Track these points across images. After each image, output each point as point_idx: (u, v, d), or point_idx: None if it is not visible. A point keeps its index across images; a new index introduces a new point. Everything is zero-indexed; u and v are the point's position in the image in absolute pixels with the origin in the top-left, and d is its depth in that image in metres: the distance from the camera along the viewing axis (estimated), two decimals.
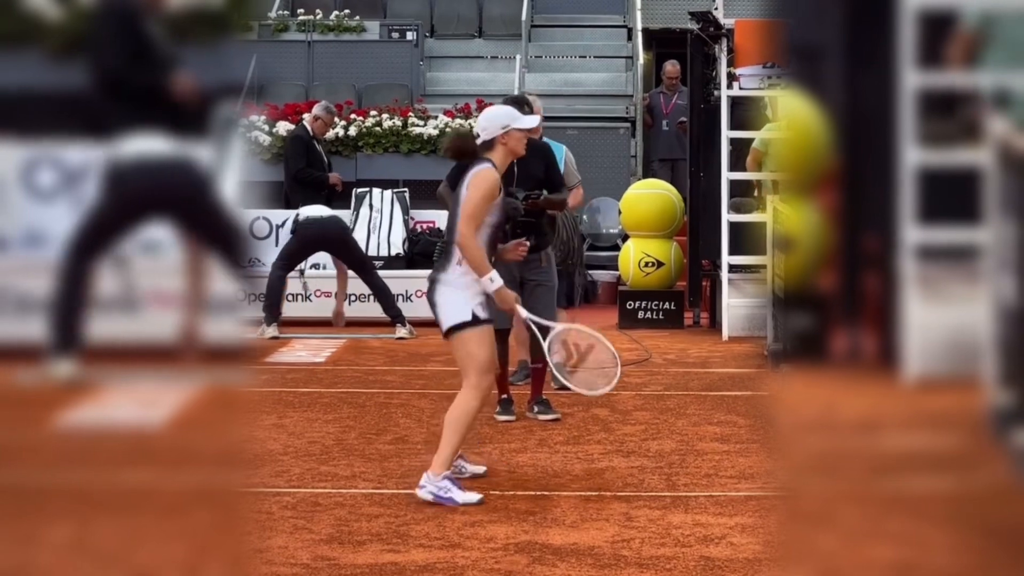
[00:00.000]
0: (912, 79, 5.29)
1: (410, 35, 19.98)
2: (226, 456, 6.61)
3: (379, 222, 16.06)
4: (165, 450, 6.41)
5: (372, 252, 15.71)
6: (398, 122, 17.51)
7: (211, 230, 6.54)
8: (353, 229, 15.82)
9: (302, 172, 15.69)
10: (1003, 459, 5.75)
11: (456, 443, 7.32)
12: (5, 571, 5.67)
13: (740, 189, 14.35)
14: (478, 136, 7.49)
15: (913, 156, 5.31)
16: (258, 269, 14.42)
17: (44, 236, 6.68)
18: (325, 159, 16.00)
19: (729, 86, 14.28)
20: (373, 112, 17.61)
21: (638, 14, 21.03)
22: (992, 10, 5.49)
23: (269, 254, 14.55)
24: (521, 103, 9.60)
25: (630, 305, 15.42)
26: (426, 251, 15.44)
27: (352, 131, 17.43)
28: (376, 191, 16.26)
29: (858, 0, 5.49)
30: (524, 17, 20.79)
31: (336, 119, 16.74)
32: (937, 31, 5.35)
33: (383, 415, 9.85)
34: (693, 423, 9.57)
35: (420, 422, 9.56)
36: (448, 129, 17.30)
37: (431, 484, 7.23)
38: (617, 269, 16.38)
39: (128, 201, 6.46)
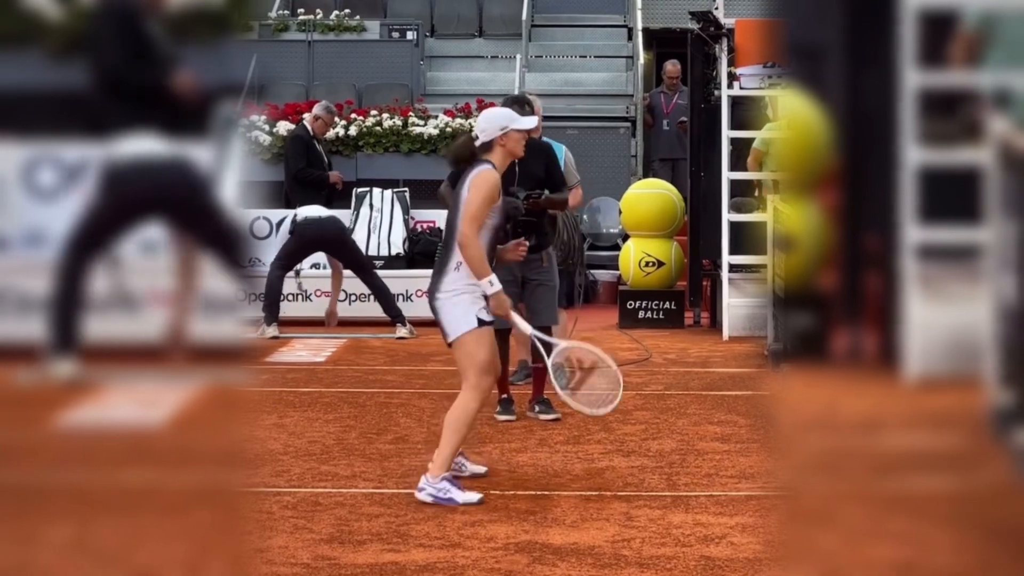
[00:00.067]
0: (913, 78, 5.29)
1: (410, 35, 19.98)
2: (226, 456, 6.62)
3: (379, 222, 16.06)
4: (165, 450, 6.42)
5: (372, 252, 15.71)
6: (398, 122, 17.51)
7: (208, 231, 6.54)
8: (353, 229, 15.82)
9: (302, 172, 15.70)
10: (1004, 458, 5.75)
11: (456, 444, 7.31)
12: (6, 571, 5.68)
13: (740, 189, 14.35)
14: (477, 138, 7.49)
15: (914, 155, 5.31)
16: (258, 269, 14.42)
17: (45, 236, 6.68)
18: (325, 159, 16.01)
19: (730, 86, 14.27)
20: (373, 112, 17.62)
21: (638, 14, 21.02)
22: (992, 10, 5.50)
23: (269, 254, 14.54)
24: (521, 103, 9.60)
25: (630, 305, 15.42)
26: (426, 251, 15.44)
27: (352, 131, 17.43)
28: (376, 191, 16.26)
29: (859, 0, 5.49)
30: (524, 17, 20.79)
31: (336, 119, 16.74)
32: (938, 30, 5.35)
33: (383, 415, 9.85)
34: (693, 423, 9.57)
35: (420, 422, 9.56)
36: (448, 129, 17.31)
37: (429, 487, 7.22)
38: (617, 269, 16.38)
39: (125, 202, 6.47)
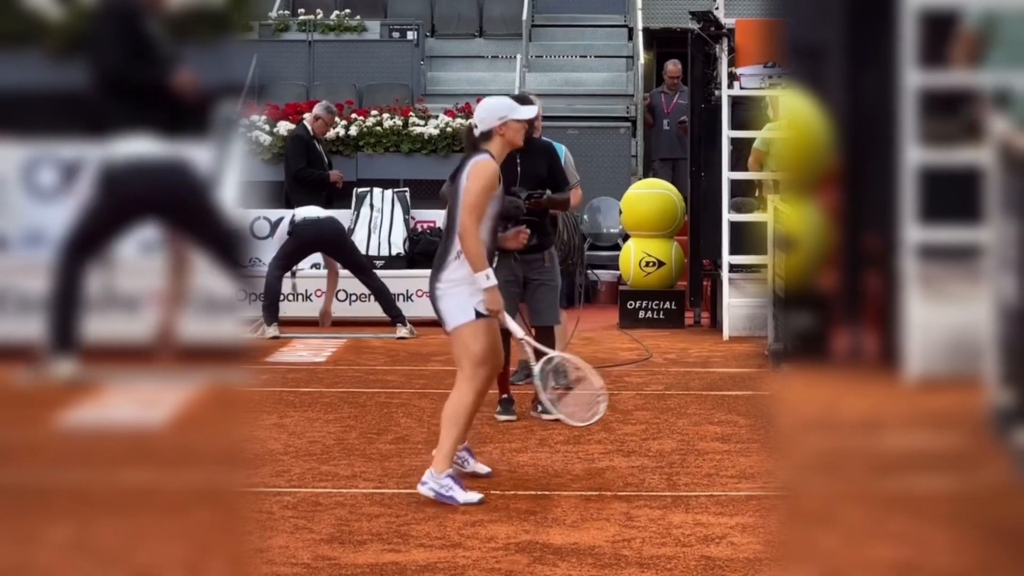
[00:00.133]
0: (913, 78, 5.29)
1: (411, 35, 19.98)
2: (227, 456, 6.62)
3: (380, 222, 16.06)
4: (166, 450, 6.42)
5: (373, 252, 15.72)
6: (399, 122, 17.51)
7: (206, 231, 6.54)
8: (354, 229, 15.82)
9: (303, 172, 15.70)
10: (1004, 458, 5.75)
11: (455, 437, 7.32)
12: (6, 570, 5.67)
13: (741, 189, 14.34)
14: (476, 127, 7.49)
15: (914, 155, 5.31)
16: (258, 269, 14.43)
17: (45, 236, 6.68)
18: (325, 159, 16.02)
19: (730, 86, 14.27)
20: (374, 112, 17.62)
21: (639, 14, 21.02)
22: (993, 10, 5.50)
23: (269, 254, 14.55)
24: (522, 103, 9.59)
25: (631, 305, 15.42)
26: (427, 251, 15.43)
27: (353, 131, 17.43)
28: (377, 191, 16.25)
29: (859, 0, 5.49)
30: (525, 17, 20.79)
31: (337, 119, 16.75)
32: (938, 30, 5.35)
33: (384, 415, 9.85)
34: (694, 423, 9.56)
35: (421, 422, 9.56)
36: (448, 129, 17.31)
37: (433, 481, 7.23)
38: (618, 269, 16.38)
39: (122, 203, 6.47)
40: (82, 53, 6.45)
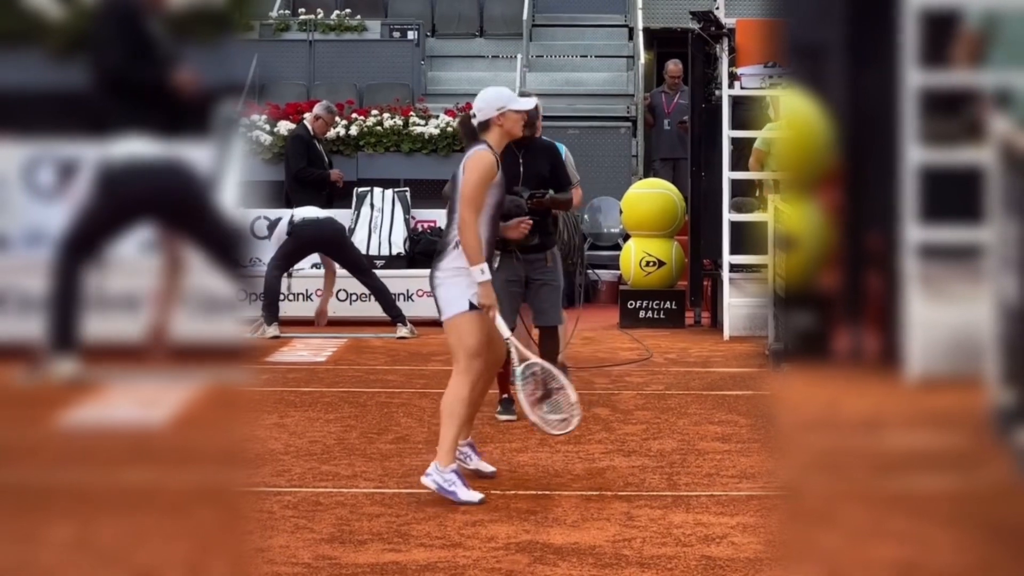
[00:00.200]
0: (914, 78, 5.29)
1: (411, 34, 19.98)
2: (227, 455, 6.61)
3: (380, 221, 16.06)
4: (167, 449, 6.41)
5: (373, 251, 15.72)
6: (399, 121, 17.51)
7: (206, 232, 6.54)
8: (354, 228, 15.83)
9: (303, 171, 15.71)
10: (1005, 458, 5.75)
11: (454, 430, 7.32)
12: (7, 570, 5.67)
13: (741, 188, 14.35)
14: (474, 117, 7.49)
15: (915, 155, 5.31)
16: (258, 269, 14.43)
17: (46, 235, 6.68)
18: (326, 158, 16.02)
19: (730, 85, 14.27)
20: (374, 111, 17.62)
21: (639, 13, 21.02)
22: (994, 9, 5.49)
23: (268, 254, 14.55)
24: None
25: (631, 304, 15.42)
26: (427, 250, 15.43)
27: (353, 130, 17.43)
28: (377, 190, 16.26)
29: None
30: (525, 16, 20.79)
31: (337, 118, 16.75)
32: (940, 30, 5.35)
33: (384, 414, 9.85)
34: (694, 422, 9.56)
35: (421, 421, 9.56)
36: (449, 128, 17.31)
37: (437, 474, 7.23)
38: (618, 268, 16.38)
39: (122, 203, 6.46)
40: (83, 53, 6.45)
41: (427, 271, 7.65)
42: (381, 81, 18.98)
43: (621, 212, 16.18)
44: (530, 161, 9.28)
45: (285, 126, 17.01)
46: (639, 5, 21.21)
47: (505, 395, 9.72)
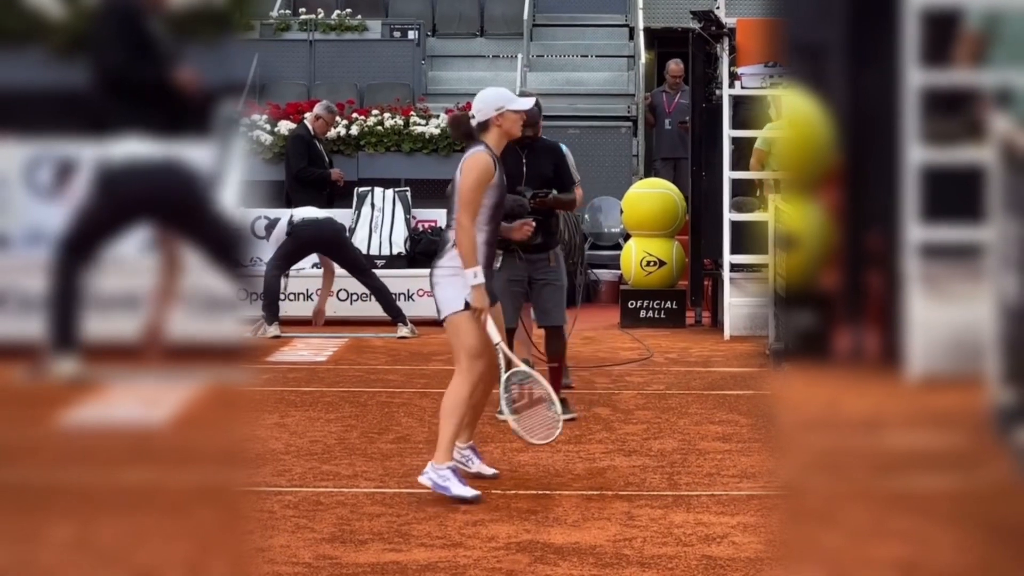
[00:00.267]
0: (915, 77, 5.29)
1: (412, 34, 19.99)
2: (228, 455, 6.61)
3: (381, 221, 16.07)
4: (167, 449, 6.41)
5: (374, 251, 15.72)
6: (400, 121, 17.52)
7: (206, 232, 6.53)
8: (355, 228, 15.83)
9: (303, 171, 15.71)
10: (1006, 457, 5.75)
11: (452, 429, 7.33)
12: (7, 569, 5.67)
13: (742, 188, 14.35)
14: (473, 117, 7.49)
15: (916, 154, 5.30)
16: (259, 268, 14.44)
17: (46, 235, 6.67)
18: (326, 158, 16.02)
19: (731, 85, 14.27)
20: (375, 111, 17.62)
21: (640, 13, 21.02)
22: (995, 9, 5.49)
23: (268, 254, 14.55)
24: None
25: (632, 304, 15.42)
26: (428, 250, 15.44)
27: (354, 130, 17.43)
28: (378, 190, 16.26)
29: None
30: (526, 16, 20.79)
31: (337, 118, 16.75)
32: (941, 29, 5.34)
33: (385, 414, 9.85)
34: (695, 422, 9.56)
35: (422, 421, 9.56)
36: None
37: (432, 471, 7.25)
38: (619, 268, 16.38)
39: (121, 203, 6.46)
40: (84, 52, 6.44)
41: (427, 271, 7.66)
42: (382, 81, 18.98)
43: (622, 212, 16.18)
44: (533, 161, 9.29)
45: (286, 126, 17.02)
46: (640, 5, 21.21)
47: None
